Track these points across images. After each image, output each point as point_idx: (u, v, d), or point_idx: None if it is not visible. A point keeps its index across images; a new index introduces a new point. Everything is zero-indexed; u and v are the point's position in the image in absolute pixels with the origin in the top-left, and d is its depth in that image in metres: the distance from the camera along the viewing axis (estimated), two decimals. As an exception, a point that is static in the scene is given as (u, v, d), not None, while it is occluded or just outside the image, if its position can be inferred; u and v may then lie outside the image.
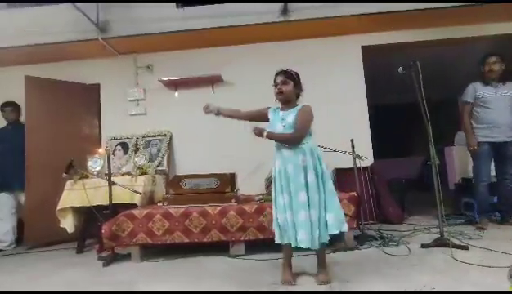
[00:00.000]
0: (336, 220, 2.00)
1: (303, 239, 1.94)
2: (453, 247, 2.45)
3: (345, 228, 2.05)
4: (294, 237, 1.99)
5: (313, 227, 1.96)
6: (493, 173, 3.43)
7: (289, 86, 2.12)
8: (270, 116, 2.20)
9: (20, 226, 3.93)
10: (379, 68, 4.84)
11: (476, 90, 3.35)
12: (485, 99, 3.28)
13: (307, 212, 1.96)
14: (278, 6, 3.93)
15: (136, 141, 4.28)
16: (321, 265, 2.10)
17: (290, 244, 2.04)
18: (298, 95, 2.19)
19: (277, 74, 2.17)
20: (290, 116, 2.10)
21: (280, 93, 2.13)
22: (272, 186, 2.15)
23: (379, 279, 2.03)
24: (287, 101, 2.16)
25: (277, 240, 2.11)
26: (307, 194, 1.98)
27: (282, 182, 2.06)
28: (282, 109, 2.18)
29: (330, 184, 2.06)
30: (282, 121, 2.11)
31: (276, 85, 2.15)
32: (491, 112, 3.24)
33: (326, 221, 1.99)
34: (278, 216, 2.07)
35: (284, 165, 2.06)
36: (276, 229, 2.11)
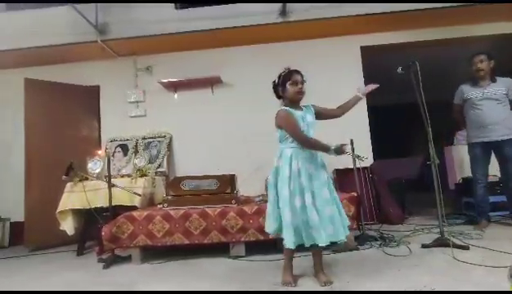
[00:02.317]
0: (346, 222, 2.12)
1: (332, 234, 1.96)
2: (454, 246, 2.44)
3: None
4: (310, 237, 1.95)
5: (338, 222, 2.01)
6: (494, 173, 3.43)
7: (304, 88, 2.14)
8: (295, 117, 2.08)
9: (19, 228, 3.93)
10: (379, 68, 4.84)
11: (464, 92, 3.34)
12: (473, 100, 3.26)
13: (332, 207, 2.01)
14: (277, 7, 3.94)
15: (136, 143, 4.28)
16: (320, 265, 2.11)
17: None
18: None
19: (295, 72, 2.11)
20: (310, 116, 2.14)
21: (301, 93, 2.11)
22: (284, 188, 2.01)
23: (380, 279, 2.02)
24: (299, 101, 2.16)
25: (291, 244, 1.96)
26: (330, 192, 2.05)
27: (304, 182, 1.99)
28: (295, 108, 2.11)
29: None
30: (303, 119, 2.09)
31: (295, 83, 2.09)
32: (480, 112, 3.21)
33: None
34: (293, 218, 1.97)
35: (305, 164, 2.03)
36: (288, 233, 1.96)
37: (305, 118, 2.10)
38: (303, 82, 2.11)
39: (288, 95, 2.12)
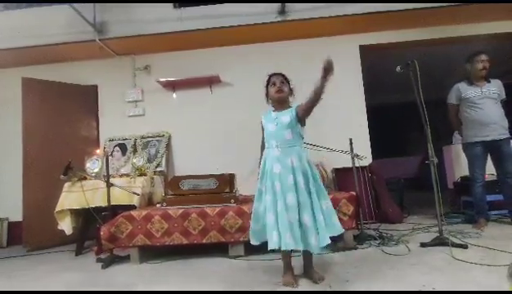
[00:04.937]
0: (338, 221, 2.04)
1: (290, 242, 1.88)
2: (452, 245, 2.45)
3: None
4: (278, 238, 1.92)
5: (309, 232, 1.91)
6: (492, 172, 3.44)
7: (287, 88, 2.18)
8: (263, 121, 2.21)
9: (18, 228, 3.92)
10: (378, 67, 4.85)
11: (461, 91, 3.34)
12: (472, 99, 3.26)
13: (295, 215, 1.92)
14: (276, 6, 3.94)
15: (135, 142, 4.27)
16: (310, 264, 2.12)
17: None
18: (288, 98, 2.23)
19: (274, 75, 2.20)
20: (285, 116, 2.10)
21: (280, 91, 2.14)
22: (262, 185, 2.10)
23: (379, 279, 2.02)
24: (282, 102, 2.17)
25: (275, 245, 1.92)
26: (298, 197, 1.95)
27: (267, 182, 2.05)
28: (275, 110, 2.19)
29: (324, 188, 2.07)
30: (275, 120, 2.12)
31: (273, 84, 2.17)
32: (480, 111, 3.22)
33: (327, 223, 1.96)
34: (269, 215, 1.99)
35: (271, 165, 2.06)
36: (272, 233, 1.93)
37: (278, 119, 2.11)
38: (282, 81, 2.17)
39: (270, 97, 2.20)
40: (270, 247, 1.95)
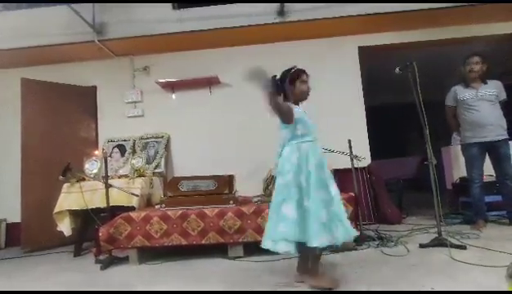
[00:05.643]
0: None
1: (341, 235, 1.88)
2: (451, 246, 2.45)
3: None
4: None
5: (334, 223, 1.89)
6: (490, 173, 3.45)
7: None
8: (296, 111, 2.02)
9: (16, 229, 3.91)
10: (376, 68, 4.86)
11: (457, 93, 3.36)
12: (467, 101, 3.28)
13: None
14: (275, 7, 3.94)
15: (134, 143, 4.27)
16: (307, 265, 2.10)
17: None
18: None
19: (304, 72, 2.12)
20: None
21: (309, 92, 2.12)
22: (305, 181, 1.91)
23: (378, 280, 2.03)
24: (305, 100, 2.15)
25: (324, 242, 1.81)
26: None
27: (317, 177, 1.92)
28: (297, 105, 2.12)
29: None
30: (306, 114, 2.08)
31: (305, 82, 2.09)
32: (476, 113, 3.23)
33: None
34: (322, 211, 1.85)
35: (317, 158, 1.98)
36: (324, 230, 1.82)
37: (306, 114, 2.09)
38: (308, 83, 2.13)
39: (296, 92, 2.08)
40: (320, 244, 1.80)
